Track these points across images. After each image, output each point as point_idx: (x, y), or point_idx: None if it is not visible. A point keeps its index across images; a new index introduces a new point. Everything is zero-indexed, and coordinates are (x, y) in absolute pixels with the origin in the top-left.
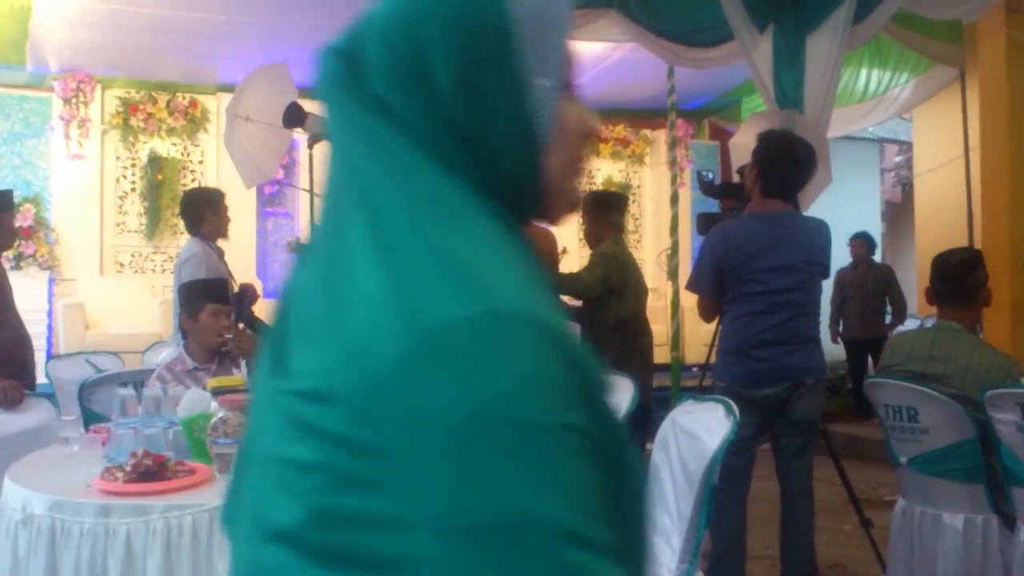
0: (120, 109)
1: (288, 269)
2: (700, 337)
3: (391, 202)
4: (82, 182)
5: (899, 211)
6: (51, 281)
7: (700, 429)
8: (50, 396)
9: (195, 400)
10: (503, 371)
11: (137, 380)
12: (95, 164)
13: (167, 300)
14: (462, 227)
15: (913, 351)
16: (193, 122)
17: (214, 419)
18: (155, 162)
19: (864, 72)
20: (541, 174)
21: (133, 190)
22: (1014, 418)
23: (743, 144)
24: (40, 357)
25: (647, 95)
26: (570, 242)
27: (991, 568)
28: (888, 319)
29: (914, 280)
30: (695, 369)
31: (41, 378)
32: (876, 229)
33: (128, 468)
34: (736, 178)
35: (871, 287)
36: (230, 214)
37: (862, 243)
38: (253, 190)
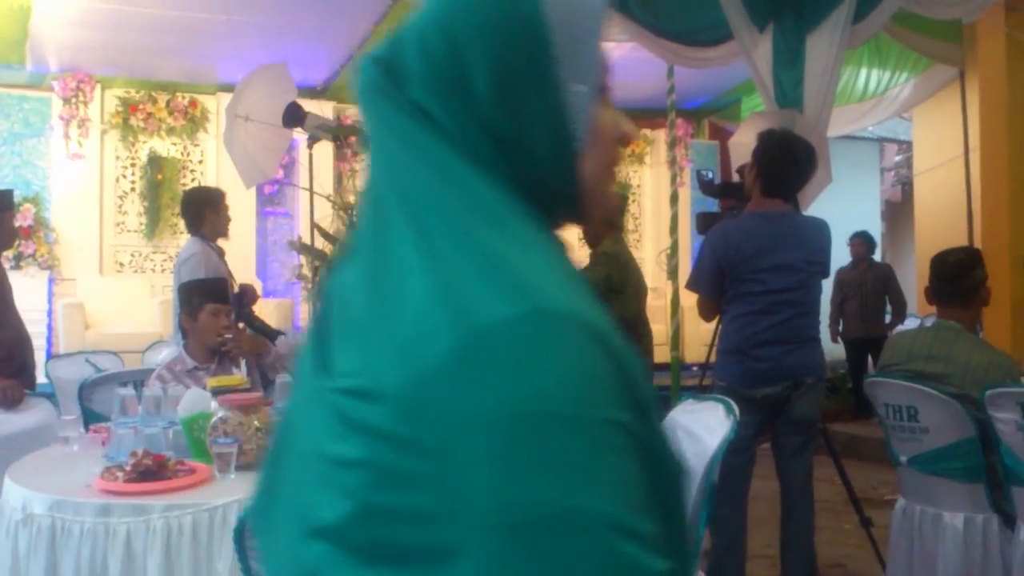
0: (120, 109)
1: (330, 271)
2: (700, 336)
3: (434, 204)
4: (82, 182)
5: (899, 210)
6: (51, 281)
7: (700, 428)
8: (50, 396)
9: (195, 400)
10: (549, 368)
11: (137, 380)
12: (95, 164)
13: (167, 300)
14: (504, 229)
15: (913, 350)
16: (193, 122)
17: (214, 419)
18: (155, 162)
19: (864, 71)
20: (576, 178)
21: (133, 190)
22: (1014, 417)
23: (743, 143)
24: (40, 357)
25: (647, 94)
26: (570, 242)
27: (991, 567)
28: (888, 318)
29: (914, 279)
30: (695, 368)
31: (41, 378)
32: (876, 228)
33: (128, 468)
34: (736, 177)
35: (871, 286)
36: (230, 214)
37: (862, 242)
38: (253, 190)
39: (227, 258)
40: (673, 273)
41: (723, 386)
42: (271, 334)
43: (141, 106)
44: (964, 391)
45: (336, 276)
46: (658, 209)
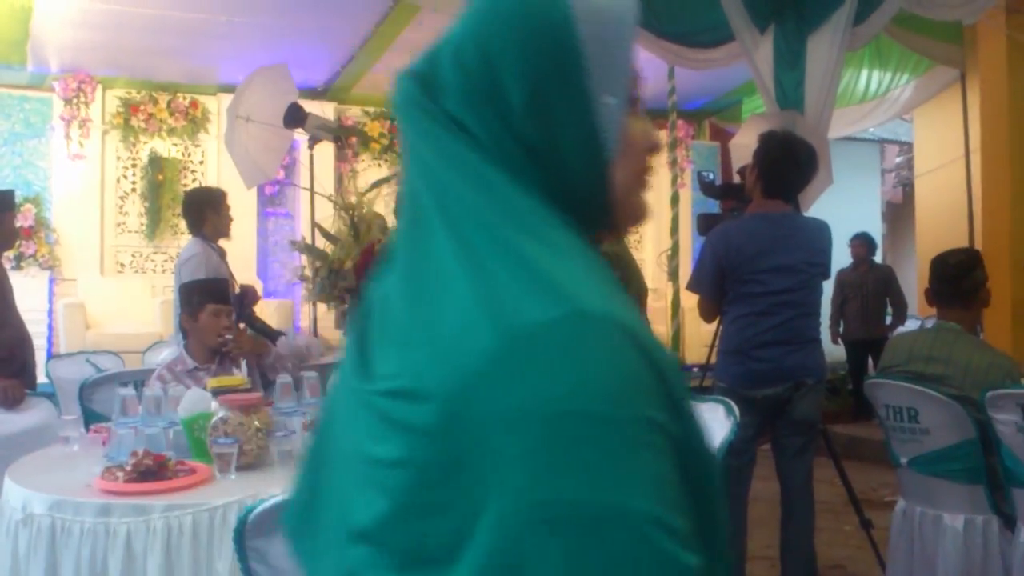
0: (121, 109)
1: (372, 279)
2: (700, 337)
3: (471, 213)
4: (83, 182)
5: (900, 212)
6: (52, 281)
7: None
8: (50, 396)
9: (195, 400)
10: (585, 369)
11: (137, 380)
12: (96, 164)
13: (167, 300)
14: (539, 236)
15: (913, 352)
16: (194, 122)
17: (214, 419)
18: (156, 162)
19: (865, 73)
20: (607, 187)
21: (134, 190)
22: (1014, 419)
23: (744, 145)
24: (41, 357)
25: (647, 95)
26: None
27: (991, 569)
28: (888, 320)
29: (915, 281)
30: (695, 369)
31: (42, 378)
32: (877, 230)
33: (128, 468)
34: (737, 179)
35: (871, 288)
36: (231, 214)
37: (862, 244)
38: (254, 190)
39: (228, 258)
40: (674, 274)
41: (723, 387)
42: (272, 335)
43: (142, 107)
44: (964, 392)
45: (375, 284)
46: (659, 210)
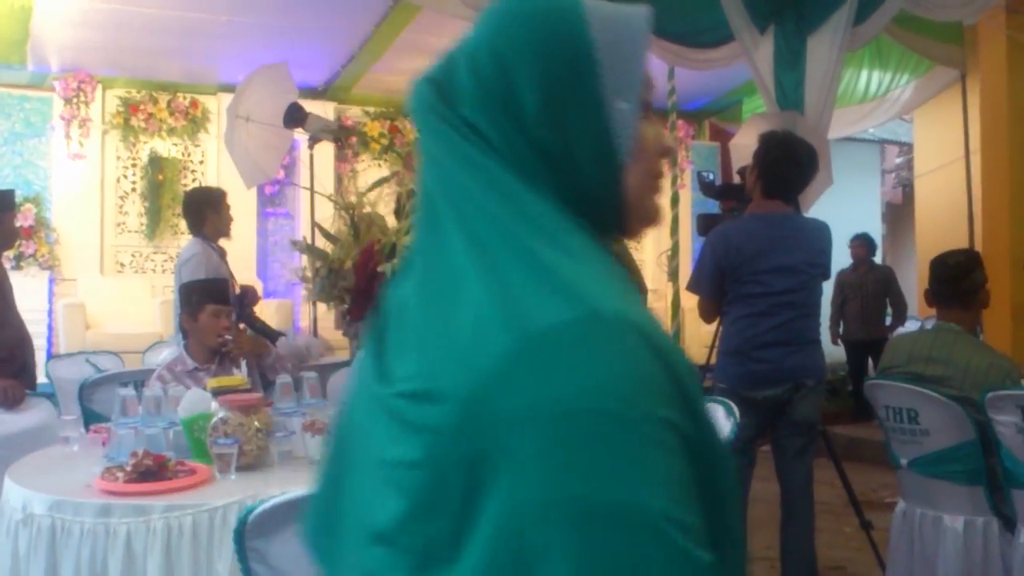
0: (121, 109)
1: (389, 284)
2: (700, 338)
3: (486, 216)
4: (83, 182)
5: (900, 212)
6: (51, 281)
7: None
8: (50, 396)
9: (195, 400)
10: (599, 368)
11: (137, 380)
12: (96, 164)
13: (167, 300)
14: (553, 239)
15: (913, 353)
16: (194, 122)
17: (214, 419)
18: (156, 162)
19: (865, 73)
20: (621, 191)
21: (134, 190)
22: (1014, 420)
23: (744, 145)
24: (40, 357)
25: None
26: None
27: (991, 570)
28: (888, 320)
29: (915, 282)
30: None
31: (41, 378)
32: (876, 230)
33: (128, 468)
34: (736, 179)
35: (871, 288)
36: (231, 214)
37: (862, 244)
38: (254, 190)
39: (228, 259)
40: (673, 275)
41: (723, 388)
42: (271, 335)
43: (142, 106)
44: (964, 393)
45: (393, 289)
46: None
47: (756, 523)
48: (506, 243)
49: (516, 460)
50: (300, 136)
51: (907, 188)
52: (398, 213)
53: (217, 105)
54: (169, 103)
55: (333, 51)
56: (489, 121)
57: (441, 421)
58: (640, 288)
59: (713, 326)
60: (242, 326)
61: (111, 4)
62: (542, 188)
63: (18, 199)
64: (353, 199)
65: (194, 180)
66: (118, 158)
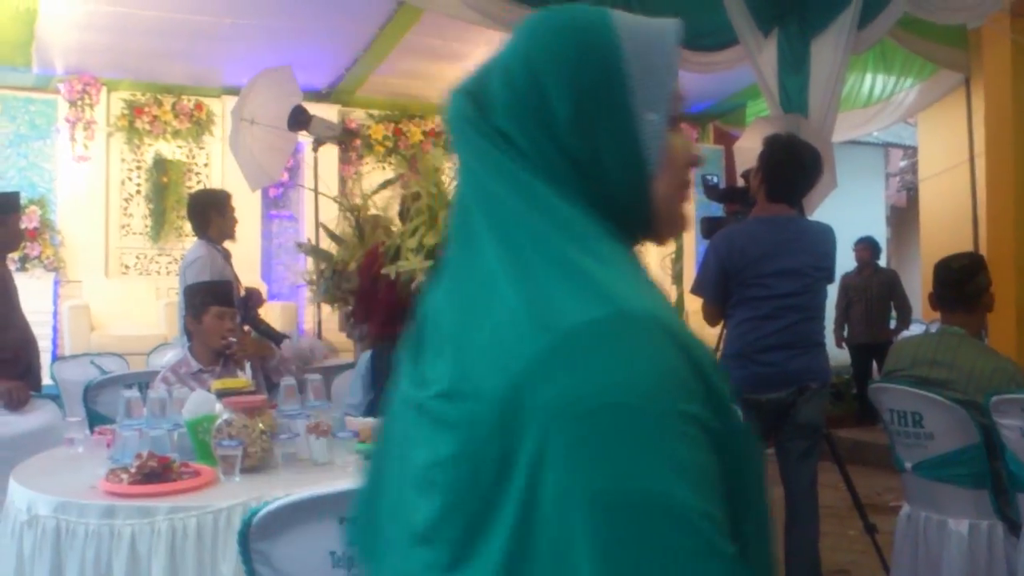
0: (125, 111)
1: (425, 291)
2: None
3: (519, 221)
4: (87, 184)
5: (904, 216)
6: (56, 283)
7: None
8: (55, 397)
9: (200, 402)
10: (626, 365)
11: (142, 382)
12: (100, 166)
13: (172, 302)
14: (583, 243)
15: (917, 356)
16: (198, 125)
17: (218, 421)
18: (160, 164)
19: (869, 77)
20: (649, 199)
21: (138, 192)
22: (1019, 423)
23: (748, 148)
24: (45, 359)
25: None
26: None
27: (996, 574)
28: (893, 324)
29: (919, 285)
30: None
31: (46, 379)
32: (881, 234)
33: (133, 470)
34: (741, 182)
35: (876, 292)
36: (235, 216)
37: (867, 248)
38: (258, 193)
39: (232, 261)
40: (677, 278)
41: None
42: (276, 337)
43: (146, 109)
44: (969, 397)
45: (428, 296)
46: None
47: None
48: (536, 246)
49: (548, 455)
50: (304, 139)
51: (911, 191)
52: (402, 216)
53: (221, 108)
54: (174, 106)
55: (337, 54)
56: (521, 130)
57: (474, 418)
58: None
59: (717, 329)
60: (246, 328)
61: (116, 7)
62: (572, 195)
63: (23, 201)
64: (358, 201)
65: (198, 182)
66: (123, 160)
